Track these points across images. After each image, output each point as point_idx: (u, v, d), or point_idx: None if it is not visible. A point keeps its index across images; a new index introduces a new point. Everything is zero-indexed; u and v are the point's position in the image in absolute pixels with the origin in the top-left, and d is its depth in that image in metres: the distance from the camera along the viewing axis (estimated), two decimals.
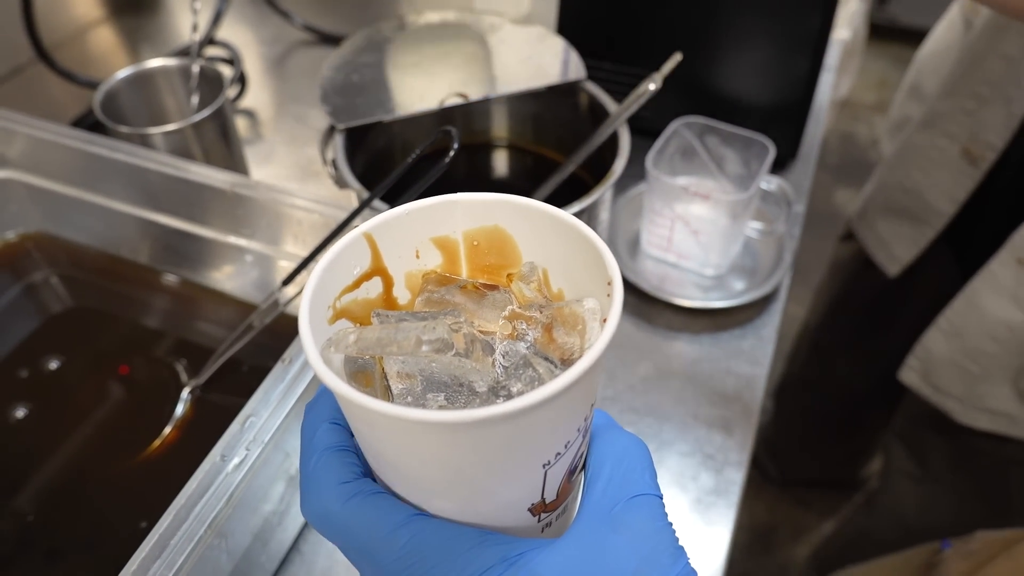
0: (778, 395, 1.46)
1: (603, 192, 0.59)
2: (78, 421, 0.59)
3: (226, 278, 0.66)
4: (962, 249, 0.90)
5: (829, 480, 1.56)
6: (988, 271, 0.79)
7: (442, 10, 0.74)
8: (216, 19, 0.93)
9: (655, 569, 0.26)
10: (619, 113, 0.63)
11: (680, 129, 0.77)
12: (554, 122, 0.73)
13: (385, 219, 0.30)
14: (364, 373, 0.29)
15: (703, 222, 0.74)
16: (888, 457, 1.08)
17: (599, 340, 0.24)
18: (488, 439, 0.24)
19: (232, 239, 0.63)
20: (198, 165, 0.60)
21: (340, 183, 0.60)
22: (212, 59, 0.98)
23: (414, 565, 0.25)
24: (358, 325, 0.30)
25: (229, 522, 0.46)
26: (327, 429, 0.28)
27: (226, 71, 0.96)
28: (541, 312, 0.28)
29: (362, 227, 0.29)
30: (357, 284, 0.30)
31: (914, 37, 1.48)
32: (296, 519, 0.58)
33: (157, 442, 0.57)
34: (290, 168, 0.90)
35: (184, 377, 0.61)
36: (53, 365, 0.63)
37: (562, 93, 0.70)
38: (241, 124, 0.96)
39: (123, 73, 0.73)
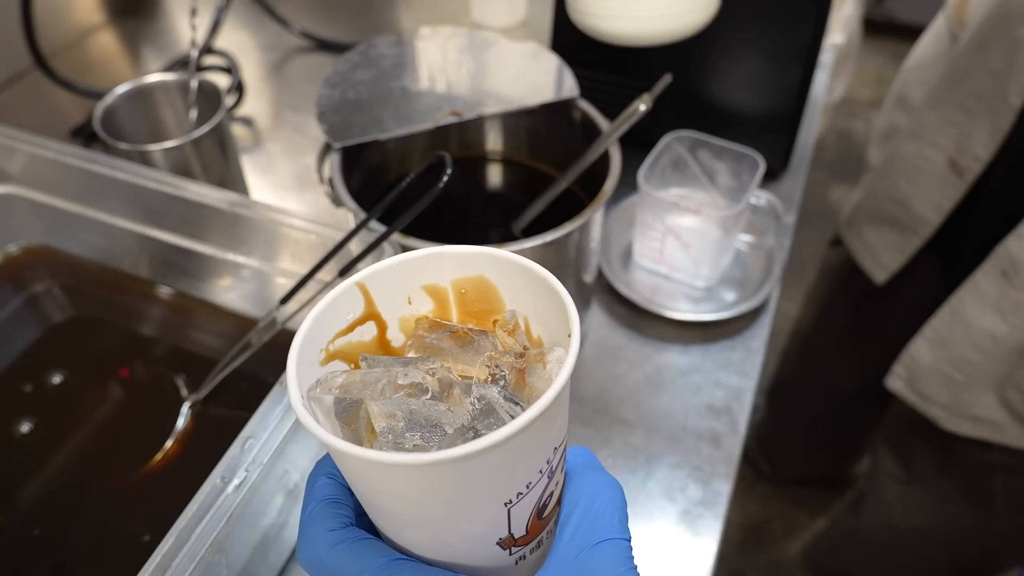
0: (771, 393, 1.48)
1: (594, 212, 0.60)
2: (81, 434, 0.61)
3: (225, 293, 0.68)
4: (948, 258, 0.91)
5: (821, 477, 1.58)
6: (973, 282, 0.80)
7: (439, 20, 0.75)
8: (214, 28, 0.94)
9: None
10: (609, 133, 0.64)
11: (672, 143, 0.78)
12: (548, 137, 0.75)
13: (377, 269, 0.32)
14: (352, 413, 0.30)
15: (694, 235, 0.75)
16: (875, 460, 1.10)
17: (546, 394, 0.26)
18: (443, 479, 0.26)
19: (230, 256, 0.64)
20: (197, 184, 0.62)
21: (336, 201, 0.62)
22: (210, 67, 0.99)
23: None
24: (351, 366, 0.32)
25: (229, 539, 0.48)
26: (324, 483, 0.30)
27: (224, 80, 0.97)
28: (516, 358, 0.29)
29: (355, 277, 0.31)
30: (351, 328, 0.32)
31: (911, 34, 1.49)
32: (294, 530, 0.59)
33: (159, 456, 0.59)
34: (288, 178, 0.91)
35: (184, 391, 0.62)
36: (55, 377, 0.64)
37: (556, 110, 0.71)
38: (239, 132, 0.97)
39: (122, 89, 0.74)
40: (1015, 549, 0.98)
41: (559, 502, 0.31)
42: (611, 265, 0.80)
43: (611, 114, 0.67)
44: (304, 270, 0.57)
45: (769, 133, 0.85)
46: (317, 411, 0.29)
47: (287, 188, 0.90)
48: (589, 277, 0.71)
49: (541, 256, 0.61)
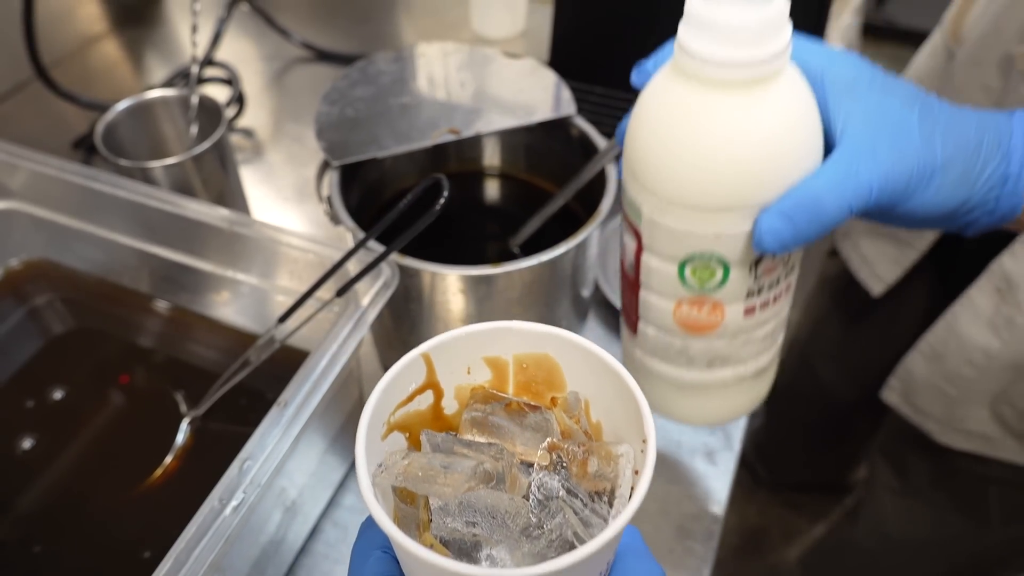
0: (769, 400, 1.48)
1: (590, 232, 0.61)
2: (81, 449, 0.61)
3: (224, 308, 0.68)
4: (946, 272, 0.92)
5: (819, 483, 1.58)
6: (967, 298, 0.81)
7: (440, 29, 0.75)
8: (215, 41, 0.94)
9: None
10: (605, 152, 0.64)
11: None
12: (546, 153, 0.75)
13: (443, 340, 0.32)
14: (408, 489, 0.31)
15: None
16: (872, 470, 1.11)
17: (626, 509, 0.26)
18: None
19: (230, 273, 0.65)
20: (197, 202, 0.62)
21: (335, 219, 0.62)
22: (211, 79, 0.99)
23: None
24: (408, 444, 0.32)
25: (227, 558, 0.48)
26: (378, 558, 0.30)
27: (225, 93, 0.98)
28: (580, 447, 0.30)
29: (421, 348, 0.32)
30: (411, 398, 0.32)
31: (911, 38, 1.49)
32: (292, 545, 0.60)
33: (159, 472, 0.59)
34: (288, 189, 0.92)
35: (184, 407, 0.63)
36: (55, 391, 0.65)
37: (553, 126, 0.71)
38: (239, 142, 0.98)
39: (123, 104, 0.74)
40: (1009, 561, 0.99)
41: None
42: (608, 278, 0.80)
43: (608, 127, 0.68)
44: (302, 288, 0.58)
45: None
46: (378, 492, 0.29)
47: (287, 199, 0.91)
48: (586, 292, 0.72)
49: (539, 274, 0.61)
